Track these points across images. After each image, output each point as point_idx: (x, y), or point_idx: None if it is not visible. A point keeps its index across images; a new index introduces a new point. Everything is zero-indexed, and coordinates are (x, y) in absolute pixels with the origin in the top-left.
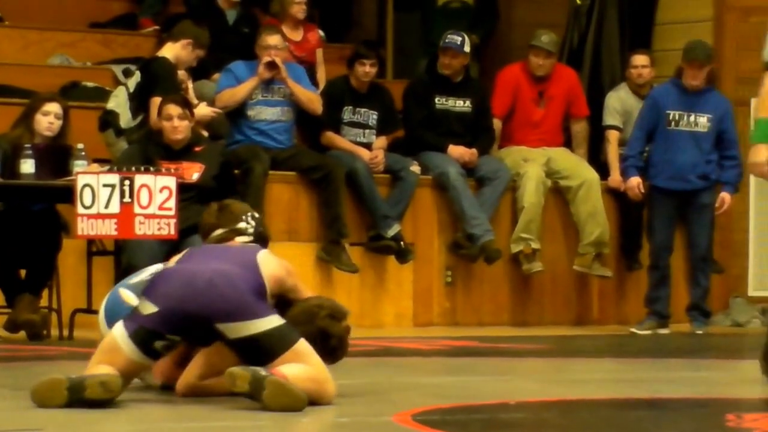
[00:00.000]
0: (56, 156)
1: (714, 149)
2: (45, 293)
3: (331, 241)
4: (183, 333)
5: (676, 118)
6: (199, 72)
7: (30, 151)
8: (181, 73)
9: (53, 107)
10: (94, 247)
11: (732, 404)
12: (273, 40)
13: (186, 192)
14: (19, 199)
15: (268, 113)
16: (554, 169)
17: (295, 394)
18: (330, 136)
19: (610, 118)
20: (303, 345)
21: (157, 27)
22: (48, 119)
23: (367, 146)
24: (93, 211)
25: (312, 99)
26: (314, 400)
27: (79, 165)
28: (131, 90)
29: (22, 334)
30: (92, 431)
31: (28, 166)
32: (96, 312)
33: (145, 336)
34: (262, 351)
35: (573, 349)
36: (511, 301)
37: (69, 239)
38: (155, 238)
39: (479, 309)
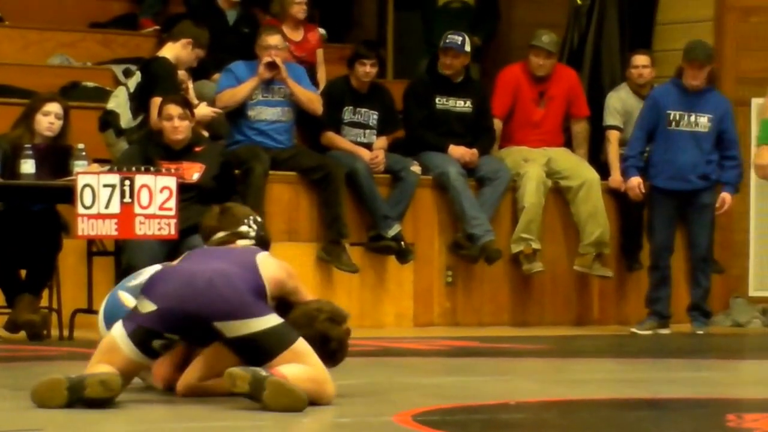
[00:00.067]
0: (56, 156)
1: (714, 149)
2: (45, 293)
3: (332, 241)
4: (181, 332)
5: (677, 118)
6: (200, 72)
7: (30, 151)
8: (182, 74)
9: (54, 107)
10: (94, 248)
11: (732, 404)
12: (273, 40)
13: (186, 192)
14: (20, 200)
15: (268, 113)
16: (555, 169)
17: (295, 395)
18: (330, 137)
19: (610, 118)
20: (302, 345)
21: (157, 27)
22: (48, 119)
23: (368, 146)
24: (93, 211)
25: (312, 99)
26: (314, 401)
27: (79, 165)
28: (131, 90)
29: (22, 334)
30: (93, 431)
31: (28, 166)
32: (96, 312)
33: (143, 335)
34: (260, 350)
35: (573, 350)
36: (512, 302)
37: (69, 239)
38: (155, 239)
39: (479, 309)
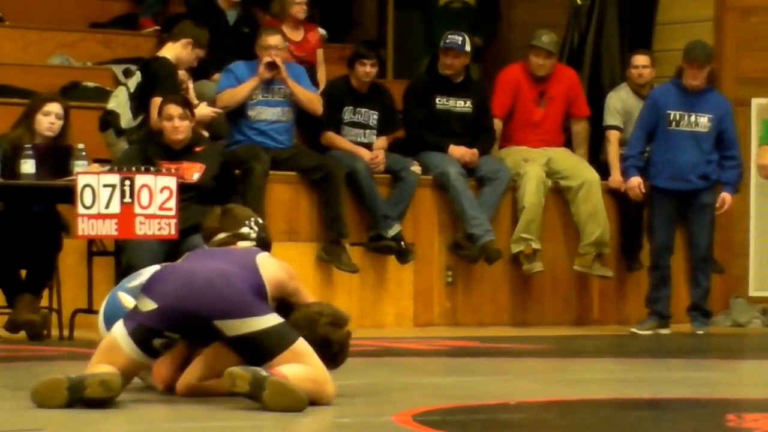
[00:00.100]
0: (57, 156)
1: (714, 149)
2: (45, 293)
3: (332, 241)
4: (182, 331)
5: (677, 118)
6: (200, 72)
7: (30, 151)
8: (182, 73)
9: (54, 107)
10: (94, 248)
11: (732, 404)
12: (273, 40)
13: (186, 192)
14: (20, 199)
15: (268, 113)
16: (554, 169)
17: (295, 395)
18: (330, 137)
19: (610, 118)
20: (302, 345)
21: (157, 27)
22: (49, 119)
23: (368, 146)
24: (93, 211)
25: (312, 99)
26: (314, 401)
27: (79, 165)
28: (132, 90)
29: (22, 334)
30: (93, 431)
31: (28, 166)
32: (96, 312)
33: (144, 334)
34: (260, 350)
35: (573, 350)
36: (512, 302)
37: (69, 239)
38: (156, 239)
39: (479, 309)
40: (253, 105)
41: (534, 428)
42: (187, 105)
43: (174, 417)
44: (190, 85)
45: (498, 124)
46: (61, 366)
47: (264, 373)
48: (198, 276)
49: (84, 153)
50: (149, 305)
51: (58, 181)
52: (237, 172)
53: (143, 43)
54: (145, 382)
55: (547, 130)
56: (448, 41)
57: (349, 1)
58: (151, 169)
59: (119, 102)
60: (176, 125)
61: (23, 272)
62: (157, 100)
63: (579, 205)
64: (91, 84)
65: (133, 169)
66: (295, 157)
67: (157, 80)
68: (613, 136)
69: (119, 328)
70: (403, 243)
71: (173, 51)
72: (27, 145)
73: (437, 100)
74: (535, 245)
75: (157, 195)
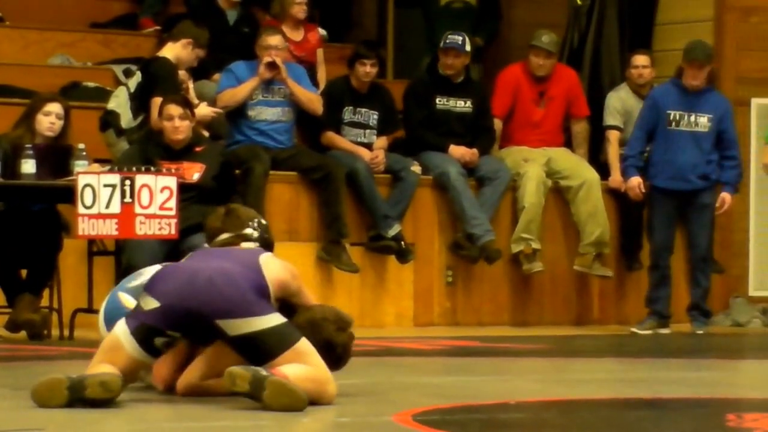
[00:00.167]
0: (57, 156)
1: (714, 149)
2: (45, 293)
3: (332, 241)
4: (183, 330)
5: (677, 118)
6: (200, 72)
7: (31, 151)
8: (182, 73)
9: (55, 107)
10: (94, 247)
11: (732, 404)
12: (273, 40)
13: (186, 192)
14: (20, 199)
15: (268, 113)
16: (554, 169)
17: (295, 394)
18: (330, 136)
19: (610, 118)
20: (304, 344)
21: (157, 27)
22: (49, 119)
23: (368, 146)
24: (94, 211)
25: (312, 99)
26: (315, 401)
27: (79, 165)
28: (132, 90)
29: (22, 333)
30: (93, 431)
31: (28, 166)
32: (96, 312)
33: (146, 333)
34: (262, 349)
35: (573, 349)
36: (512, 301)
37: (70, 239)
38: (156, 238)
39: (479, 309)
40: (253, 105)
41: (534, 428)
42: (188, 105)
43: (174, 417)
44: (191, 85)
45: (498, 124)
46: (62, 366)
47: (264, 372)
48: (200, 275)
49: (84, 153)
50: (151, 304)
51: (59, 181)
52: (237, 172)
53: (143, 43)
54: (144, 382)
55: (547, 130)
56: (448, 41)
57: (349, 1)
58: (152, 169)
59: (119, 102)
60: (176, 125)
61: (23, 272)
62: (157, 100)
63: (579, 205)
64: (91, 84)
65: (134, 169)
66: (295, 157)
67: (158, 80)
68: (613, 136)
69: (121, 327)
70: (403, 243)
71: (173, 51)
72: (27, 145)
73: (437, 100)
74: (535, 245)
75: (158, 195)
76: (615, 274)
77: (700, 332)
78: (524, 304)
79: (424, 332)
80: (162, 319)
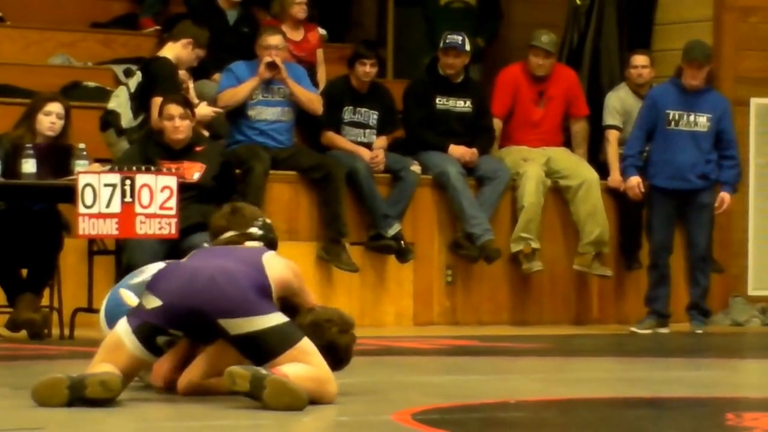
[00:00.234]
0: (57, 156)
1: (713, 149)
2: (46, 292)
3: (331, 240)
4: (185, 328)
5: (676, 117)
6: (200, 72)
7: (31, 151)
8: (182, 73)
9: (55, 107)
10: (95, 247)
11: (731, 403)
12: (273, 40)
13: (187, 191)
14: (21, 199)
15: (268, 113)
16: (554, 168)
17: (295, 394)
18: (330, 136)
19: (610, 117)
20: (305, 344)
21: (157, 27)
22: (50, 119)
23: (368, 146)
24: (94, 210)
25: (312, 99)
26: (316, 400)
27: (80, 165)
28: (132, 90)
29: (23, 333)
30: (93, 430)
31: (29, 165)
32: (97, 311)
33: (148, 331)
34: (263, 348)
35: (573, 349)
36: (511, 301)
37: (70, 239)
38: (156, 238)
39: (479, 308)
40: (253, 105)
41: (533, 427)
42: (188, 105)
43: (174, 416)
44: (191, 84)
45: (498, 123)
46: (62, 365)
47: (264, 372)
48: (201, 274)
49: (85, 153)
50: (153, 302)
51: (59, 180)
52: (237, 171)
53: (144, 43)
54: (143, 381)
55: (546, 129)
56: (448, 41)
57: (349, 1)
58: (152, 168)
59: (120, 102)
60: (177, 125)
61: (24, 271)
62: (157, 100)
63: (578, 205)
64: (91, 84)
65: (134, 168)
66: (295, 156)
67: (158, 80)
68: (613, 135)
69: (123, 326)
70: (402, 242)
71: (173, 51)
72: (28, 145)
73: (437, 100)
74: (535, 244)
75: (158, 194)
76: (614, 273)
77: (700, 331)
78: (524, 304)
79: (423, 331)
80: (164, 317)
